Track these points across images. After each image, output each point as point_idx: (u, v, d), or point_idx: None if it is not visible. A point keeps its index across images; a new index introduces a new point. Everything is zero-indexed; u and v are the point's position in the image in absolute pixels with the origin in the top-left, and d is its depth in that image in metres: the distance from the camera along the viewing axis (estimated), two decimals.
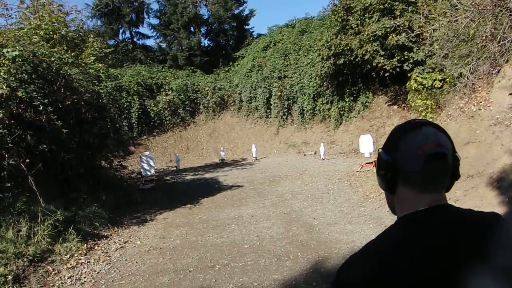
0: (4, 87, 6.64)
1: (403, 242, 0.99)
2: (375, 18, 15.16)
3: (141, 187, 12.77)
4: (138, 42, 31.31)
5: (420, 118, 1.34)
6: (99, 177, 10.22)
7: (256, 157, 18.81)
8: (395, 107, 17.10)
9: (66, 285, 5.36)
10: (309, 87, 19.94)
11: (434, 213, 1.02)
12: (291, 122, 21.42)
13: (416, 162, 1.03)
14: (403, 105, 16.41)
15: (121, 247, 6.99)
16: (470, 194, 6.76)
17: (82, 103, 9.18)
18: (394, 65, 14.72)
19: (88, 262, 6.16)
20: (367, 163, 12.35)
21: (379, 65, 15.08)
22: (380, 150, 1.13)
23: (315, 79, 19.41)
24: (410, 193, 1.06)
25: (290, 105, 21.30)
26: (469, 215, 1.03)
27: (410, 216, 1.04)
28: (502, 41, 8.27)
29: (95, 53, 11.22)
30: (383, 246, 1.01)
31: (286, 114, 21.50)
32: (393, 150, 1.09)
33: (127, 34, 30.88)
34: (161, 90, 23.11)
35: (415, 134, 1.06)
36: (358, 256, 1.03)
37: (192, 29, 30.21)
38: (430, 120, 10.69)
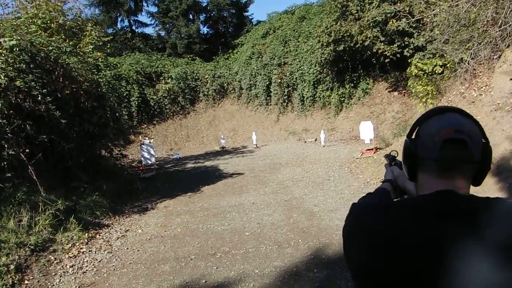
0: (2, 77, 6.61)
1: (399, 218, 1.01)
2: (375, 4, 15.01)
3: (142, 175, 12.78)
4: (136, 30, 31.11)
5: (449, 105, 1.32)
6: (100, 166, 10.24)
7: (256, 145, 18.79)
8: (396, 93, 17.02)
9: (68, 274, 5.39)
10: (309, 74, 19.83)
11: (435, 197, 1.00)
12: (291, 109, 21.35)
13: (432, 148, 1.02)
14: (404, 91, 16.33)
15: (122, 235, 7.02)
16: None
17: (81, 92, 9.14)
18: (394, 51, 14.61)
19: (89, 251, 6.19)
20: (368, 149, 12.34)
21: (379, 51, 14.98)
22: (406, 138, 1.13)
23: (315, 66, 19.30)
24: (427, 179, 1.06)
25: (290, 92, 21.21)
26: (471, 202, 0.99)
27: (413, 199, 1.04)
28: (504, 25, 8.19)
29: (93, 41, 11.14)
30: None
31: (286, 101, 21.42)
32: (415, 137, 1.09)
33: (126, 23, 30.63)
34: (161, 78, 23.02)
35: (436, 120, 1.05)
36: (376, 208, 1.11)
37: (191, 16, 29.98)
38: (431, 106, 10.64)
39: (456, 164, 1.02)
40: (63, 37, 9.86)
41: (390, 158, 1.80)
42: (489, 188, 6.00)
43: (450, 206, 0.97)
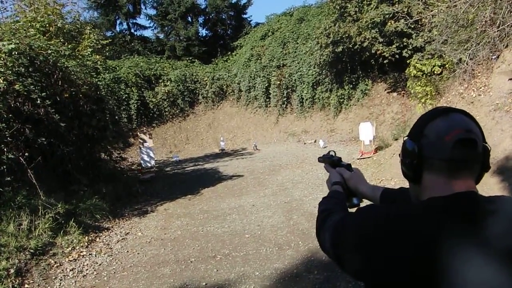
0: (1, 81, 6.61)
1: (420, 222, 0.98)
2: (374, 5, 15.04)
3: (141, 178, 12.76)
4: (135, 33, 31.06)
5: (448, 105, 1.31)
6: (99, 170, 10.21)
7: (256, 146, 18.77)
8: (395, 94, 17.05)
9: (68, 277, 5.38)
10: (308, 75, 19.85)
11: (459, 199, 0.98)
12: (291, 111, 21.36)
13: (443, 148, 1.00)
14: (403, 92, 16.36)
15: (122, 238, 7.01)
16: None
17: (80, 95, 9.14)
18: (393, 52, 14.64)
19: (89, 254, 6.18)
20: (367, 151, 12.35)
21: (378, 52, 15.00)
22: (406, 138, 1.11)
23: (314, 67, 19.32)
24: (437, 180, 1.03)
25: (289, 94, 21.22)
26: (496, 204, 0.98)
27: (434, 201, 1.02)
28: (502, 26, 8.20)
29: (92, 45, 11.14)
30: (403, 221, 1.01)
31: (286, 103, 21.42)
32: (419, 137, 1.06)
33: (124, 25, 30.61)
34: (160, 81, 22.99)
35: (443, 120, 1.03)
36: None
37: (189, 19, 29.98)
38: (430, 106, 10.65)
39: (467, 164, 1.01)
40: (61, 40, 9.87)
41: (335, 160, 1.76)
42: (490, 187, 6.00)
43: (478, 208, 0.97)
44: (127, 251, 6.36)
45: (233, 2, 30.33)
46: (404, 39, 14.25)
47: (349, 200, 1.57)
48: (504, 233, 0.91)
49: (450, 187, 1.01)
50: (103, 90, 12.03)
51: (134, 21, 30.98)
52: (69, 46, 9.46)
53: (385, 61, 15.06)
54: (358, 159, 12.00)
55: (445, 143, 1.00)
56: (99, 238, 6.96)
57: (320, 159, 1.86)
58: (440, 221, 0.96)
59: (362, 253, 1.03)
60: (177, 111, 23.03)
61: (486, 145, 1.05)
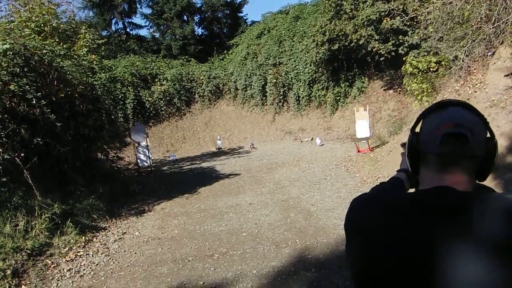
0: None
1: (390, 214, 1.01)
2: (369, 3, 15.03)
3: (137, 179, 12.73)
4: (131, 32, 30.96)
5: (454, 99, 1.32)
6: (96, 169, 10.18)
7: (253, 145, 18.77)
8: (391, 91, 17.06)
9: (66, 278, 5.37)
10: (304, 73, 19.84)
11: (431, 194, 0.99)
12: (287, 109, 21.35)
13: (433, 142, 1.01)
14: (399, 89, 16.36)
15: (119, 238, 7.00)
16: None
17: (76, 95, 9.09)
18: (389, 49, 14.64)
19: (86, 254, 6.17)
20: (364, 149, 12.36)
21: (374, 49, 15.00)
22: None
23: (310, 65, 19.31)
24: (427, 174, 1.05)
25: (286, 92, 21.20)
26: (467, 198, 0.97)
27: (414, 194, 1.04)
28: (497, 22, 8.21)
29: (87, 44, 11.09)
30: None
31: (282, 101, 21.41)
32: (417, 131, 1.09)
33: (120, 25, 30.52)
34: (156, 80, 22.91)
35: (438, 114, 1.03)
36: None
37: (185, 18, 29.93)
38: (426, 103, 10.65)
39: (456, 158, 1.01)
40: (57, 40, 9.83)
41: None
42: (485, 183, 6.00)
43: (444, 203, 0.96)
44: (124, 251, 6.36)
45: (228, 0, 30.28)
46: (400, 37, 14.26)
47: (416, 187, 1.59)
48: (481, 229, 0.90)
49: (435, 181, 1.02)
50: (99, 89, 11.98)
51: (130, 20, 30.91)
52: (65, 46, 9.42)
53: (381, 59, 15.07)
54: (356, 155, 12.00)
55: (434, 138, 1.01)
56: (96, 238, 6.95)
57: (400, 145, 1.94)
58: (408, 214, 0.98)
59: (348, 243, 1.11)
60: (174, 110, 22.96)
61: (494, 140, 1.06)
